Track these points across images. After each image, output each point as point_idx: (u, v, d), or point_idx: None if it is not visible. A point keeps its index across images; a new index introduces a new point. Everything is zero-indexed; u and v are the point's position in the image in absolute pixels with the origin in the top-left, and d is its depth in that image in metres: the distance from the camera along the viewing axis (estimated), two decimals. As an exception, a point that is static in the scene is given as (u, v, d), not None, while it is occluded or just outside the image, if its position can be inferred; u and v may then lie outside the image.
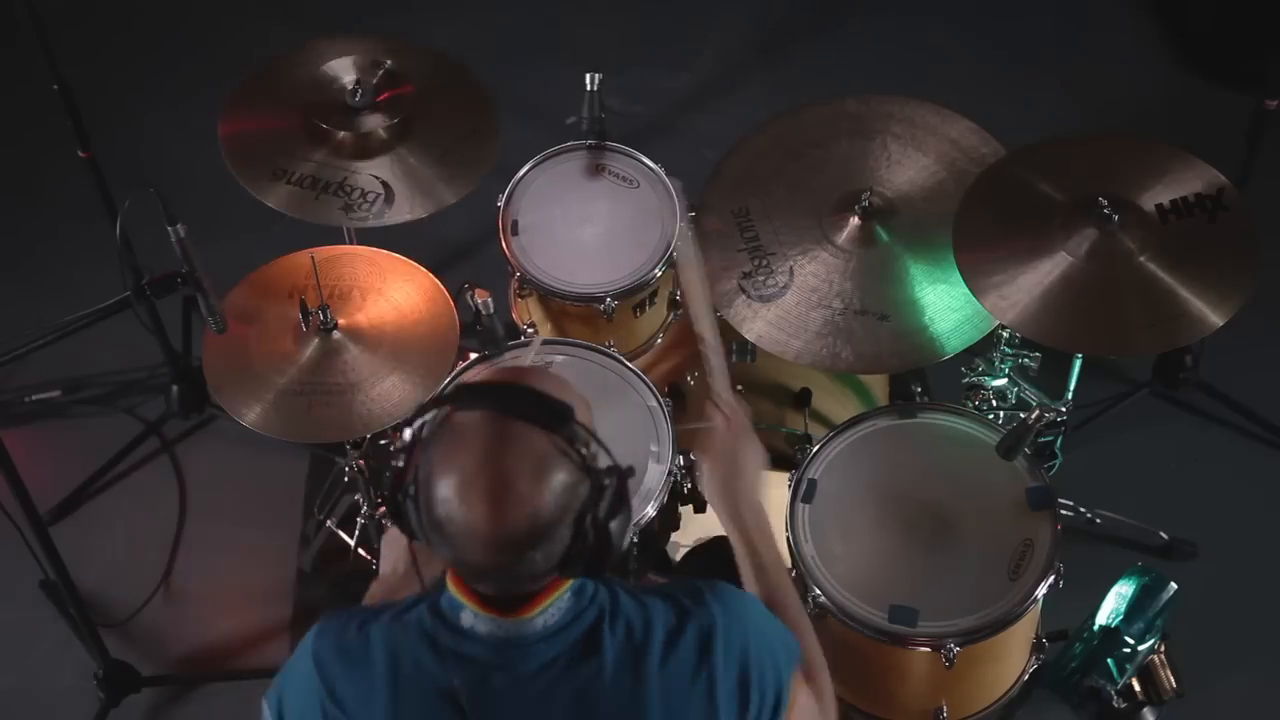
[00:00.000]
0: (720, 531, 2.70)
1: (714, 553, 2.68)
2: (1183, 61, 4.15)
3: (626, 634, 1.66)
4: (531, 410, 1.58)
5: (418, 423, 1.62)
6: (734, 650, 1.68)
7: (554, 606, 1.64)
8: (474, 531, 1.55)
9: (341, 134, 2.88)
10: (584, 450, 1.59)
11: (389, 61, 2.95)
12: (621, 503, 1.61)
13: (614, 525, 1.60)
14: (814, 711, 1.81)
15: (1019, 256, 2.60)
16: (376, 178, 2.85)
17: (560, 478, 1.56)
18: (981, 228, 2.65)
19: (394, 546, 2.02)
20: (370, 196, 2.83)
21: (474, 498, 1.54)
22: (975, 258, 2.61)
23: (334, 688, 1.67)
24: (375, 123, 2.88)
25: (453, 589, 1.66)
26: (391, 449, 1.64)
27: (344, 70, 2.96)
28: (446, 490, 1.56)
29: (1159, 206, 2.62)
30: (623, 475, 1.61)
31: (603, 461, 1.61)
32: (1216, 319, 2.50)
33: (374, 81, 2.92)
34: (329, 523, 3.27)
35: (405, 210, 2.83)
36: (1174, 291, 2.54)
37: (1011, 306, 2.55)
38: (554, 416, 1.59)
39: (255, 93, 2.99)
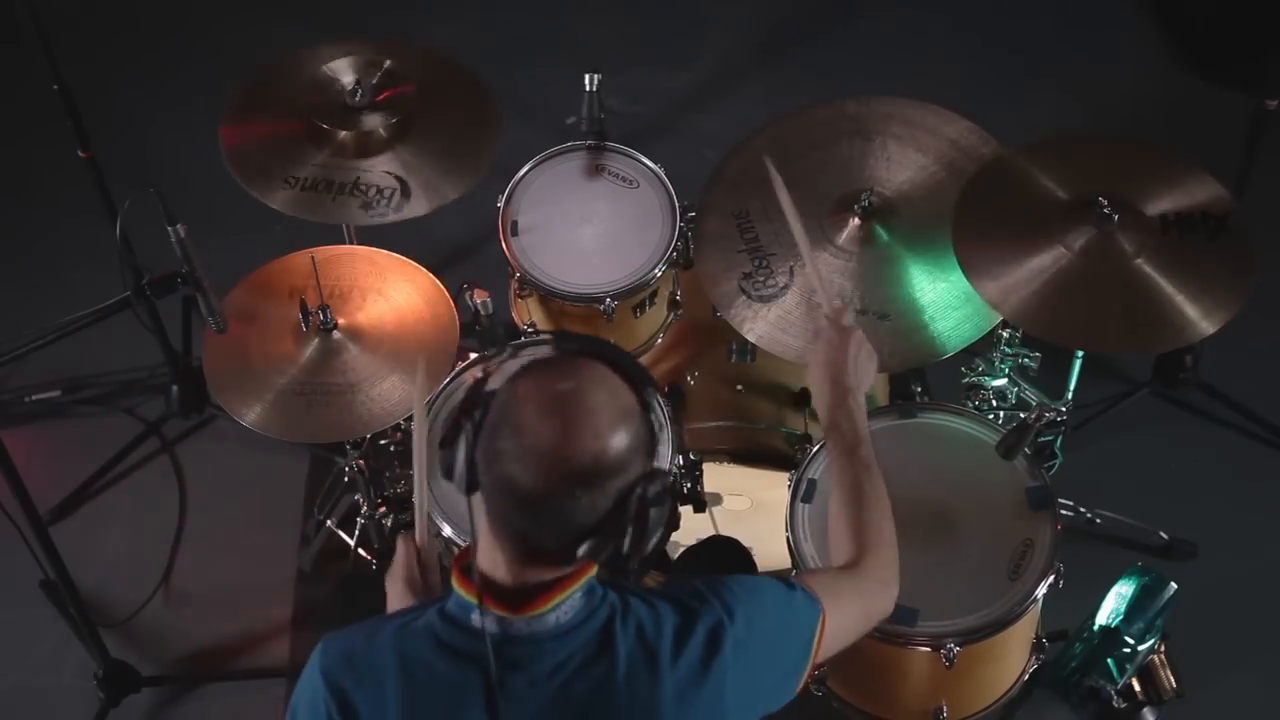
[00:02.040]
0: (721, 533, 2.70)
1: (712, 551, 2.69)
2: (1183, 61, 4.15)
3: (638, 633, 1.66)
4: (629, 368, 1.63)
5: (511, 351, 1.67)
6: (743, 642, 1.69)
7: (567, 603, 1.63)
8: (539, 447, 1.55)
9: (343, 134, 2.87)
10: (657, 427, 1.63)
11: (388, 61, 2.95)
12: (666, 501, 1.63)
13: (654, 514, 1.61)
14: (853, 616, 1.87)
15: (1017, 248, 2.61)
16: (390, 173, 2.85)
17: (635, 433, 1.59)
18: (981, 220, 2.66)
19: (396, 583, 1.99)
20: (386, 192, 2.83)
21: (554, 415, 1.56)
22: (974, 248, 2.62)
23: (346, 700, 1.66)
24: (376, 122, 2.88)
25: (461, 590, 1.66)
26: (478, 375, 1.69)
27: (343, 71, 2.95)
28: (529, 405, 1.57)
29: (1163, 217, 2.62)
30: (672, 477, 1.67)
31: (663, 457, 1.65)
32: (1207, 327, 2.52)
33: (373, 81, 2.92)
34: (329, 523, 3.27)
35: (423, 202, 2.83)
36: (1168, 297, 2.55)
37: (1007, 297, 2.56)
38: (645, 381, 1.63)
39: (255, 100, 2.99)
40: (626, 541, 1.60)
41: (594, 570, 1.66)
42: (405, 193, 2.82)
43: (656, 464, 1.63)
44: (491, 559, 1.65)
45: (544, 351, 1.65)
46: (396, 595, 1.95)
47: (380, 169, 2.85)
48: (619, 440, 1.57)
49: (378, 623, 1.71)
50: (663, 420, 1.64)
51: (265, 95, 2.99)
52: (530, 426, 1.56)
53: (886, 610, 1.94)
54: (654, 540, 1.63)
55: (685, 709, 1.65)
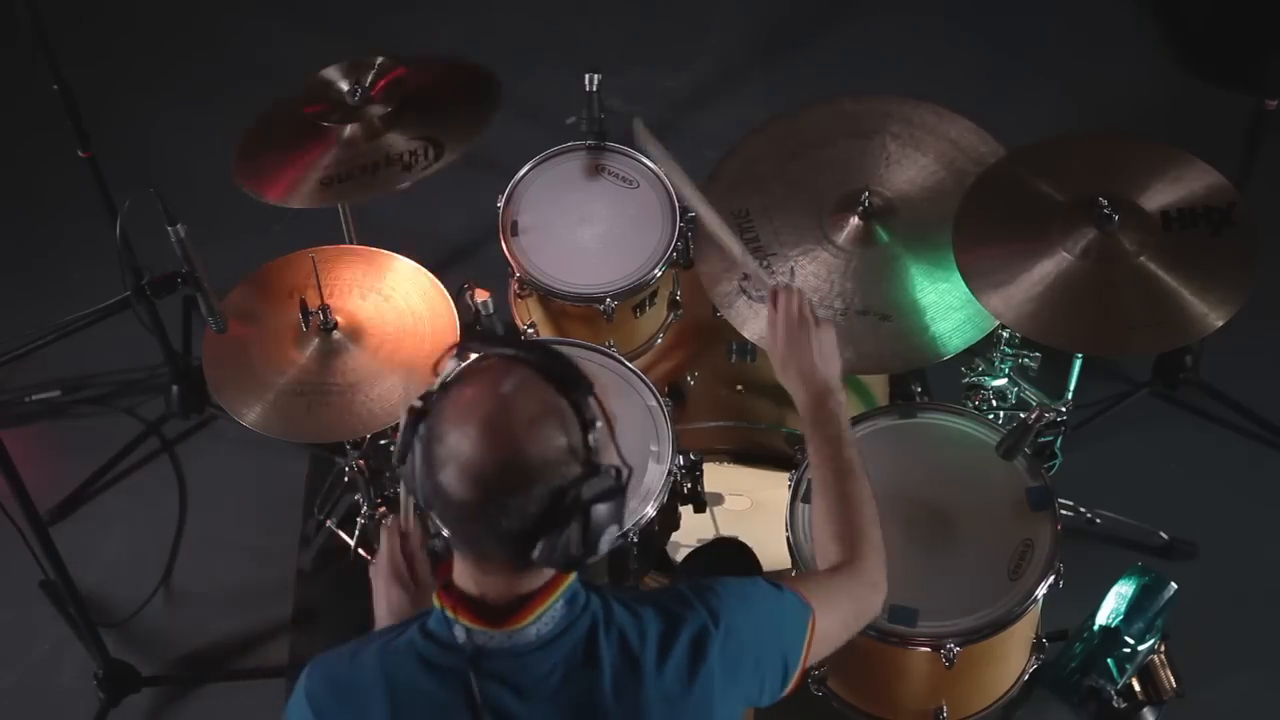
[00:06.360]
0: (721, 533, 2.70)
1: (715, 553, 2.68)
2: (1183, 61, 4.15)
3: (621, 642, 1.65)
4: (549, 366, 1.59)
5: (447, 366, 1.63)
6: (729, 647, 1.69)
7: (546, 615, 1.63)
8: (460, 458, 1.54)
9: (348, 129, 2.87)
10: (589, 427, 1.58)
11: (379, 60, 2.95)
12: (612, 498, 1.58)
13: (597, 514, 1.57)
14: (842, 619, 1.85)
15: (1019, 256, 2.60)
16: (419, 137, 2.84)
17: (554, 434, 1.56)
18: (981, 227, 2.65)
19: (381, 575, 1.97)
20: (420, 147, 2.82)
21: (469, 423, 1.55)
22: (975, 256, 2.61)
23: None
24: (376, 113, 2.88)
25: (443, 607, 1.65)
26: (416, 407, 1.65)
27: (337, 76, 2.95)
28: (451, 416, 1.56)
29: (1164, 213, 2.61)
30: (620, 475, 1.60)
31: (607, 455, 1.60)
32: (1214, 320, 2.50)
33: (367, 80, 2.92)
34: (329, 523, 3.27)
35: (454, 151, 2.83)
36: (1173, 292, 2.54)
37: (1011, 306, 2.56)
38: (570, 381, 1.59)
39: (263, 139, 2.97)
40: (573, 542, 1.57)
41: (572, 578, 1.65)
42: (438, 147, 2.81)
43: (597, 461, 1.59)
44: (464, 574, 1.65)
45: (476, 362, 1.63)
46: (382, 589, 1.94)
47: (404, 139, 2.85)
48: (538, 442, 1.55)
49: (361, 643, 1.71)
50: (598, 417, 1.60)
51: (269, 131, 2.97)
52: (451, 437, 1.56)
53: (875, 612, 1.93)
54: (605, 539, 1.59)
55: (673, 715, 1.65)
